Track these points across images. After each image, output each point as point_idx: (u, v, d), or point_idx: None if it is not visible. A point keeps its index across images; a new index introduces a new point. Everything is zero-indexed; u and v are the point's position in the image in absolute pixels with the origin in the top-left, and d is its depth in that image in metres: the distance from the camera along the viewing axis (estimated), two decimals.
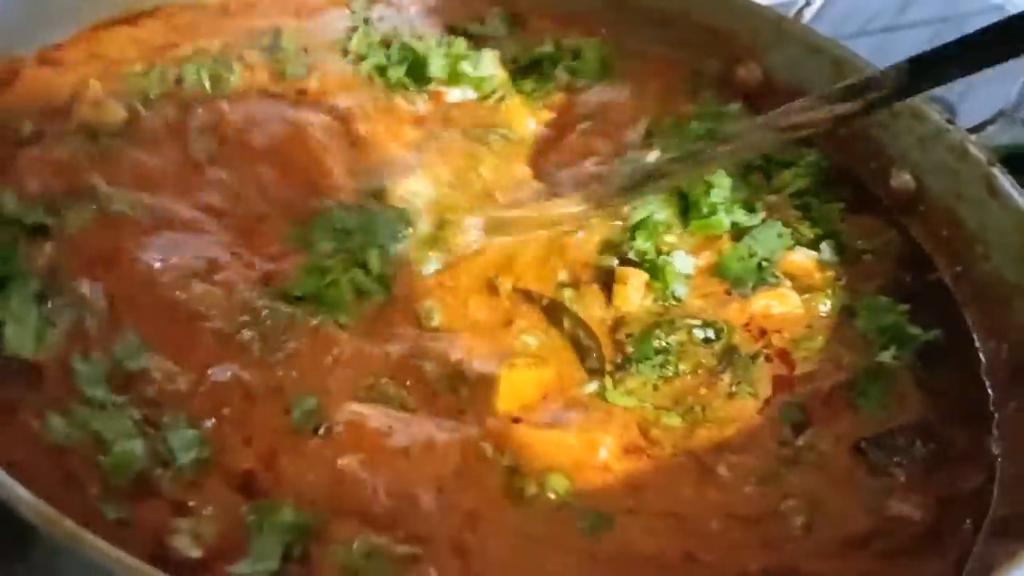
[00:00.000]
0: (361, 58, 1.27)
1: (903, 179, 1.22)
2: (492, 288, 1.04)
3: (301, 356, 0.88)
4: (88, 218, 0.95)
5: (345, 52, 1.28)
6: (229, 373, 0.84)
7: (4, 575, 0.66)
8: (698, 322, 1.03)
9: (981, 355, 1.06)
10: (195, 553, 0.72)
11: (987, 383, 1.04)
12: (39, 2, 1.10)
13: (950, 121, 1.18)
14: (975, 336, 1.08)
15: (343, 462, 0.80)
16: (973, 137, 1.18)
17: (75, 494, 0.73)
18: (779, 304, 1.07)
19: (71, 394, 0.80)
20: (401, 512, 0.79)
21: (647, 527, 0.86)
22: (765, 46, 1.32)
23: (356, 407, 0.85)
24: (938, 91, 1.93)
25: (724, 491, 0.90)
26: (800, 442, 0.95)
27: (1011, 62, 1.19)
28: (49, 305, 0.85)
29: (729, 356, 1.01)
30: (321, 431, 0.83)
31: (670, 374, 0.99)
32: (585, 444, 0.89)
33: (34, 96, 1.08)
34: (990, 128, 1.22)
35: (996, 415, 1.01)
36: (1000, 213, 1.11)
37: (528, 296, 1.04)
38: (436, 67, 1.24)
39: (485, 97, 1.26)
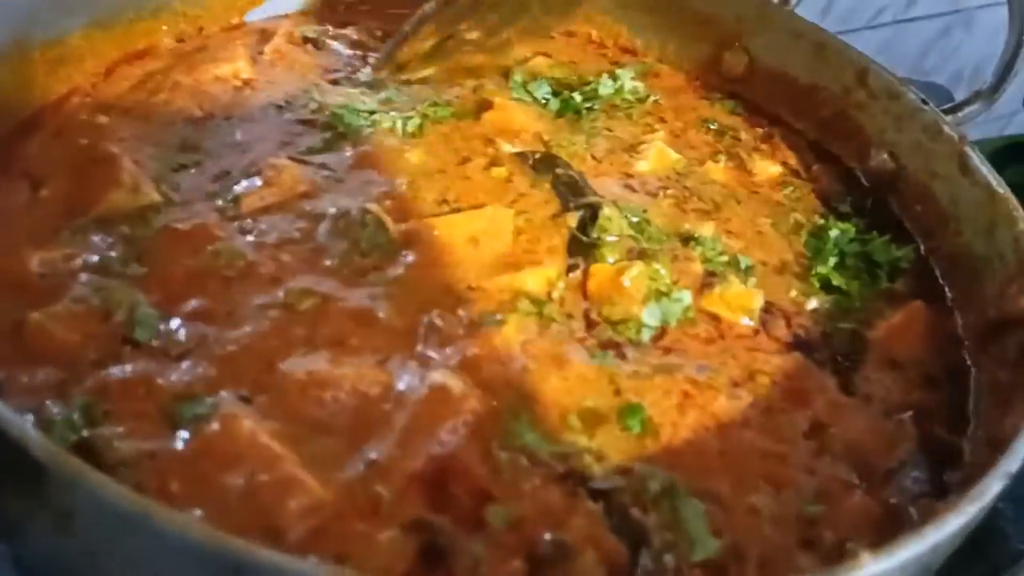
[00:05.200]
0: None
1: (881, 159, 1.26)
2: None
3: None
4: None
5: None
6: None
7: (21, 513, 0.73)
8: None
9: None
10: None
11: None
12: None
13: (924, 101, 1.22)
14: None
15: None
16: (949, 118, 1.22)
17: None
18: None
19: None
20: None
21: None
22: (750, 31, 1.37)
23: None
24: (945, 84, 2.00)
25: None
26: None
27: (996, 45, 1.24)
28: None
29: None
30: None
31: None
32: None
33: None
34: (967, 109, 1.26)
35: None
36: (971, 190, 1.15)
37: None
38: None
39: None
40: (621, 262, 1.03)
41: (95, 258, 0.95)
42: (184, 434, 0.79)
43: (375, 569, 0.73)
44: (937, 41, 2.49)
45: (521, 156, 1.18)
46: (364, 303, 0.95)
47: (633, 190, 1.17)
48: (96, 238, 0.98)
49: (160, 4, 1.27)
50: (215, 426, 0.79)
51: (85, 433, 0.79)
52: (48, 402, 0.81)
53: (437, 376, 0.87)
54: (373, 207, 1.03)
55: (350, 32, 1.37)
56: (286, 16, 1.39)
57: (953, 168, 1.17)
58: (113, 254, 0.96)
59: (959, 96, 1.89)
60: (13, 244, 0.95)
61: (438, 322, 0.94)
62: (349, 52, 1.34)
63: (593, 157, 1.21)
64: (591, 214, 1.08)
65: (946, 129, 1.19)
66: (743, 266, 1.09)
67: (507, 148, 1.19)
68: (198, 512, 0.74)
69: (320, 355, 0.89)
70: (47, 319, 0.87)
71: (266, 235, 1.01)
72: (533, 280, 1.00)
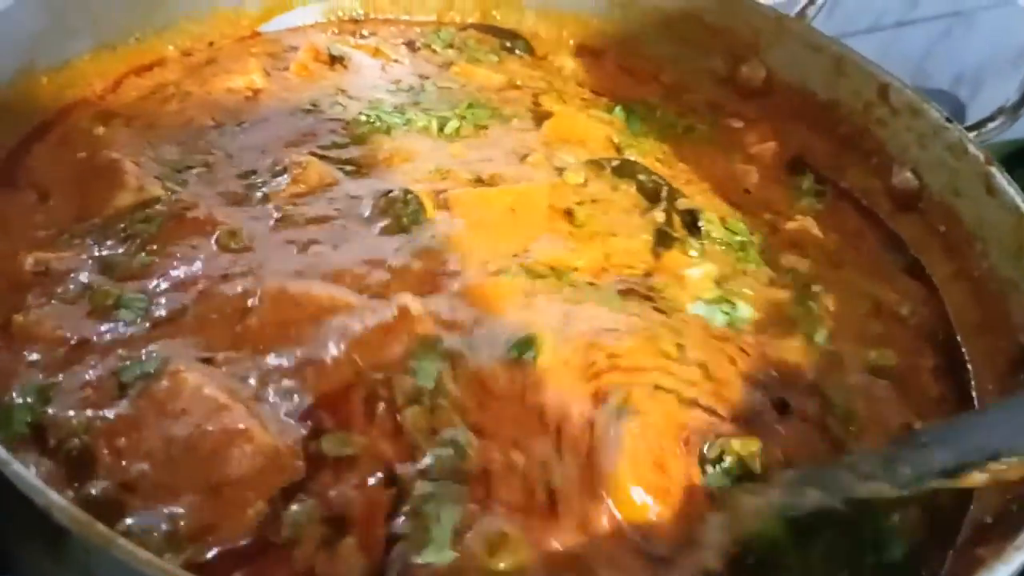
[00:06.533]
0: None
1: (904, 176, 1.24)
2: None
3: None
4: None
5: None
6: None
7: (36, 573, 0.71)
8: None
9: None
10: None
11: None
12: (57, 16, 1.10)
13: (949, 120, 1.19)
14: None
15: None
16: (972, 135, 1.20)
17: None
18: None
19: None
20: None
21: None
22: (767, 44, 1.34)
23: None
24: (948, 87, 1.97)
25: None
26: None
27: (1015, 59, 1.22)
28: None
29: None
30: None
31: None
32: None
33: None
34: (990, 125, 1.24)
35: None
36: (998, 211, 1.12)
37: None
38: None
39: None
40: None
41: (91, 257, 0.94)
42: (132, 392, 0.80)
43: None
44: (938, 43, 2.46)
45: (595, 164, 1.17)
46: (379, 254, 0.95)
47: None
48: (92, 239, 0.96)
49: (166, 23, 1.24)
50: (164, 383, 0.79)
51: (48, 412, 0.79)
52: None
53: (402, 298, 0.88)
54: (416, 187, 1.04)
55: (371, 43, 1.35)
56: (301, 28, 1.37)
57: (979, 188, 1.15)
58: (115, 252, 0.95)
59: (964, 99, 1.89)
60: (14, 251, 0.95)
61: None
62: (372, 63, 1.31)
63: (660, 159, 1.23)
64: (691, 219, 1.11)
65: (971, 148, 1.17)
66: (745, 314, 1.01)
67: (570, 159, 1.16)
68: (145, 466, 0.75)
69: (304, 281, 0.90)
70: (30, 322, 0.87)
71: (294, 217, 1.01)
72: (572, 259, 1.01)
